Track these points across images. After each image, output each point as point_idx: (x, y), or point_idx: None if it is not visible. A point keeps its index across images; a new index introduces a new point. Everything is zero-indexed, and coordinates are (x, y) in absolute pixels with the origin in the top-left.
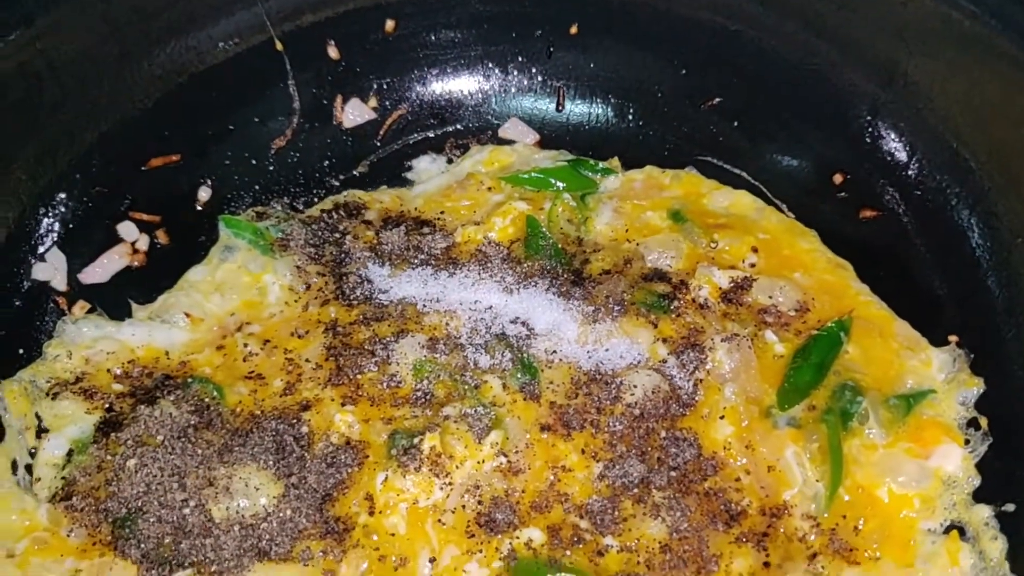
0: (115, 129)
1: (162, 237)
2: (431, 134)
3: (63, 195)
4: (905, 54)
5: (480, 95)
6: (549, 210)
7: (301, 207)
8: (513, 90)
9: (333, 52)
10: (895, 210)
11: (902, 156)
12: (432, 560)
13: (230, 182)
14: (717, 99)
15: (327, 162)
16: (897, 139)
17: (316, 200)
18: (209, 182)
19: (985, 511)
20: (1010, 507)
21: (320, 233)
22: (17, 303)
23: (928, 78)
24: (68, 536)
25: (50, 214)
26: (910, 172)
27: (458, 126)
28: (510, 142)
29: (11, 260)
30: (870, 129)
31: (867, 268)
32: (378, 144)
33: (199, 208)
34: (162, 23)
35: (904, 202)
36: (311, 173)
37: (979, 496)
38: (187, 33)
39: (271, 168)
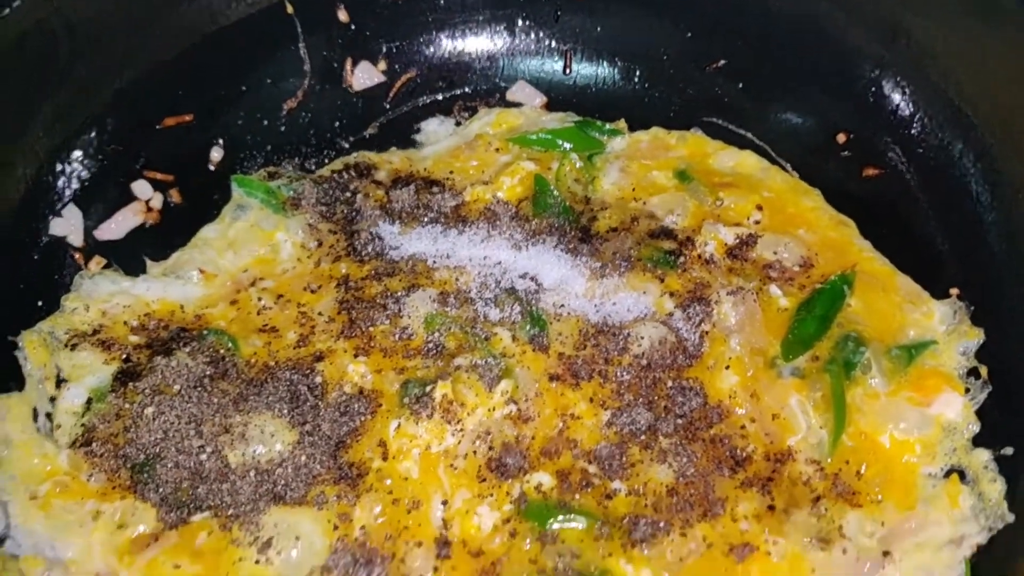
0: (129, 89)
1: (175, 196)
2: (439, 97)
3: (79, 153)
4: (908, 13)
5: (488, 58)
6: (557, 170)
7: (312, 167)
8: (520, 53)
9: (343, 15)
10: (897, 168)
11: (905, 114)
12: (444, 503)
13: (242, 142)
14: (722, 61)
15: (337, 124)
16: (900, 98)
17: (327, 161)
18: (221, 142)
19: (984, 455)
20: (1009, 451)
21: (331, 192)
22: (36, 257)
23: (930, 37)
24: (88, 480)
25: (66, 171)
26: (913, 130)
27: (466, 89)
28: (518, 104)
29: (30, 215)
30: (873, 88)
31: (870, 225)
32: (387, 107)
33: (212, 168)
34: None
35: (907, 160)
36: (322, 134)
37: (978, 441)
38: None
39: (282, 129)
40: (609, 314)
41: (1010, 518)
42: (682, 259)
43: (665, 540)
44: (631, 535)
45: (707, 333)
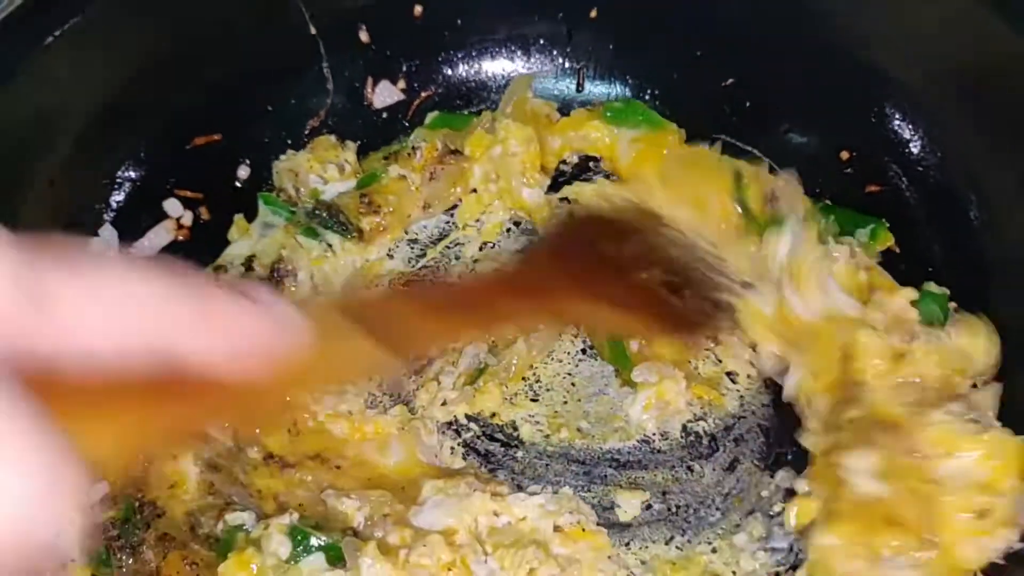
0: (160, 112)
1: (205, 213)
2: None
3: (114, 175)
4: (910, 38)
5: (504, 77)
6: None
7: None
8: (535, 72)
9: (364, 36)
10: (898, 185)
11: (905, 134)
12: None
13: (268, 160)
14: (730, 80)
15: (358, 142)
16: (900, 118)
17: None
18: (248, 161)
19: None
20: None
21: None
22: None
23: (924, 57)
24: None
25: (102, 193)
26: (912, 148)
27: (483, 107)
28: None
29: (70, 236)
30: (875, 108)
31: None
32: (407, 124)
33: (239, 185)
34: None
35: (906, 177)
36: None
37: None
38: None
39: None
40: None
41: None
42: None
43: None
44: None
45: None
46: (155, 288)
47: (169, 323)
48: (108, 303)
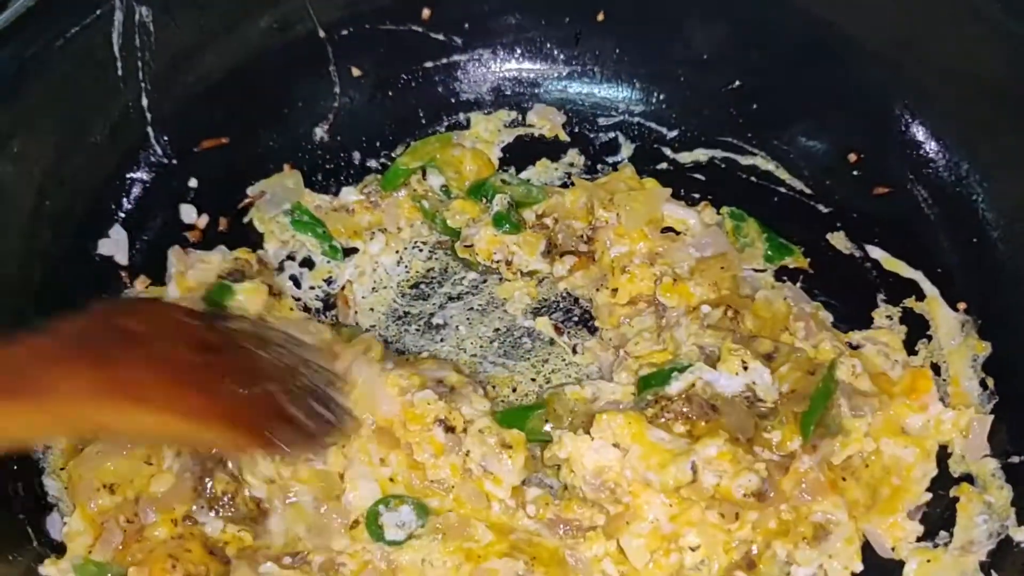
0: (169, 116)
1: (224, 224)
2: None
3: (125, 176)
4: (916, 38)
5: (512, 80)
6: None
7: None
8: (543, 75)
9: (372, 39)
10: (907, 186)
11: (913, 135)
12: None
13: (278, 163)
14: (737, 82)
15: (367, 144)
16: (908, 119)
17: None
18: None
19: (992, 463)
20: (1015, 459)
21: None
22: (86, 276)
23: (937, 61)
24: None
25: (113, 194)
26: (921, 151)
27: (488, 110)
28: None
29: (82, 237)
30: (883, 110)
31: (881, 241)
32: (416, 129)
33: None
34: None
35: (915, 178)
36: (352, 155)
37: None
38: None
39: (317, 151)
40: None
41: (1015, 523)
42: None
43: None
44: None
45: None
46: None
47: None
48: None
